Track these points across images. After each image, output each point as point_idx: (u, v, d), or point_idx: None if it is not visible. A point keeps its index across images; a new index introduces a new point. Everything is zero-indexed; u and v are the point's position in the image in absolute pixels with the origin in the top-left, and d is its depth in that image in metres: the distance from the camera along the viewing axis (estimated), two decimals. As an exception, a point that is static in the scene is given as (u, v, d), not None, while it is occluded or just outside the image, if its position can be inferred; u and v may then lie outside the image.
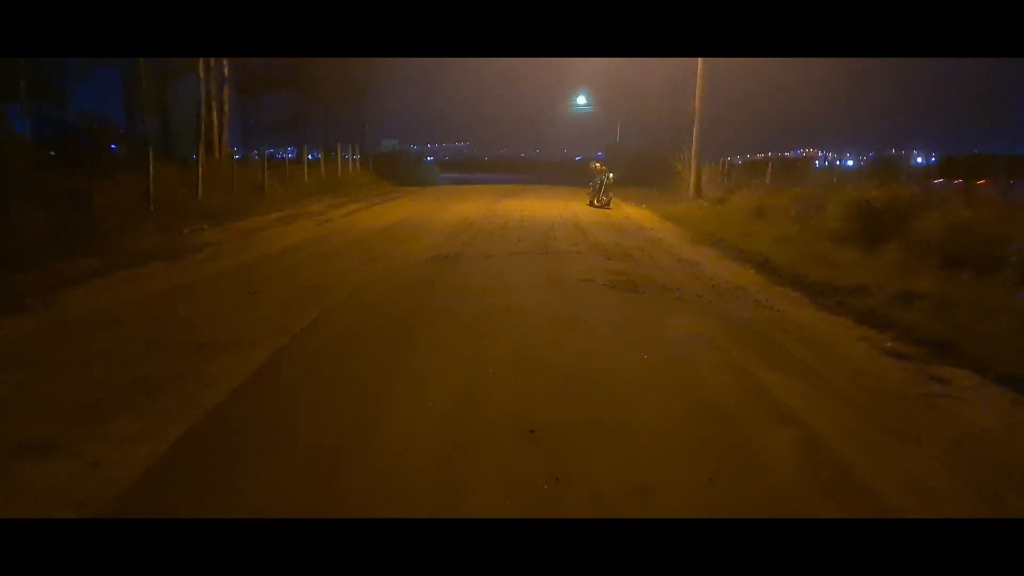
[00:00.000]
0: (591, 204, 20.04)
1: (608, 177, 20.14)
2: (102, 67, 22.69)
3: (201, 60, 19.06)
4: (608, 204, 19.78)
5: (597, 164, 21.12)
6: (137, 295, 7.46)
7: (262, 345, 5.42)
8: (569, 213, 17.74)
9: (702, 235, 13.02)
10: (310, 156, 25.43)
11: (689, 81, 21.43)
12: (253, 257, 10.31)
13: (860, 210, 10.61)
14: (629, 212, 18.66)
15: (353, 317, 6.51)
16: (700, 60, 20.01)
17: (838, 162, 50.61)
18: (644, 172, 26.88)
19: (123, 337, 5.67)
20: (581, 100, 51.47)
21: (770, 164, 19.41)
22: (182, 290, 7.75)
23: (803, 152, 59.54)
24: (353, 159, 30.53)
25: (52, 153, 17.47)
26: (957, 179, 14.88)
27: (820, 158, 53.74)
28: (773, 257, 9.82)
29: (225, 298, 7.32)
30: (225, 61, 19.96)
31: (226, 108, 20.28)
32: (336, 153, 28.38)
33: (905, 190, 10.70)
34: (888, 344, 5.69)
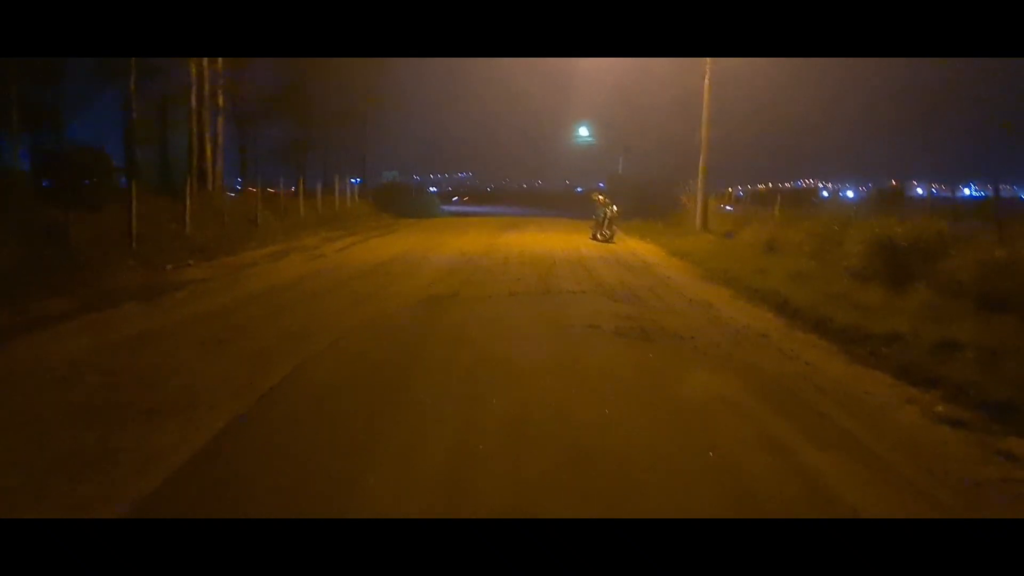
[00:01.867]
0: (594, 238, 19.40)
1: (612, 210, 19.52)
2: (101, 97, 22.35)
3: (193, 90, 18.61)
4: (612, 238, 19.14)
5: (601, 197, 20.47)
6: (99, 342, 6.77)
7: (220, 409, 4.71)
8: (572, 248, 17.08)
9: (712, 272, 12.33)
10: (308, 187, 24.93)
11: (692, 108, 20.96)
12: (236, 297, 9.63)
13: (883, 247, 9.93)
14: (634, 247, 18.00)
15: (331, 373, 5.78)
16: (706, 81, 19.49)
17: (838, 193, 50.04)
18: (648, 203, 26.34)
19: (65, 398, 4.96)
20: (583, 131, 51.16)
21: (779, 196, 18.78)
22: (149, 337, 7.06)
23: (803, 183, 59.13)
24: (352, 190, 30.02)
25: (43, 184, 16.96)
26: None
27: (820, 189, 53.18)
28: (792, 298, 9.12)
29: (194, 347, 6.62)
30: (219, 91, 19.52)
31: (220, 138, 19.78)
32: (334, 184, 27.90)
33: (931, 226, 10.02)
34: (939, 408, 4.95)
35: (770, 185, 37.62)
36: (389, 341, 7.00)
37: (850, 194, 45.96)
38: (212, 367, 5.90)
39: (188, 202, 15.17)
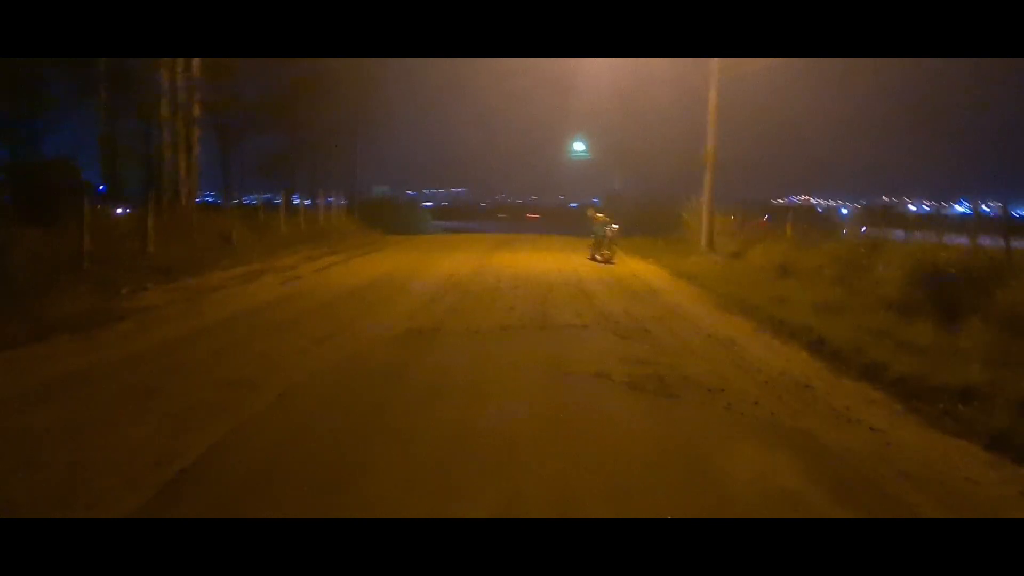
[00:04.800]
0: (592, 258, 18.14)
1: (612, 228, 18.25)
2: (78, 110, 21.17)
3: (165, 99, 17.41)
4: (612, 259, 17.86)
5: (600, 214, 19.22)
6: (-4, 393, 5.51)
7: (99, 509, 3.45)
8: (569, 269, 15.82)
9: (727, 299, 11.07)
10: (296, 201, 23.69)
11: (694, 122, 19.84)
12: (187, 329, 8.35)
13: (927, 275, 8.74)
14: (635, 267, 16.74)
15: (266, 445, 4.48)
16: (713, 92, 18.31)
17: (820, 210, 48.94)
18: (647, 220, 25.11)
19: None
20: (579, 146, 49.81)
21: (791, 213, 17.62)
22: (62, 385, 5.79)
23: (796, 199, 58.14)
24: (339, 205, 28.78)
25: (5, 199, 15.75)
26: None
27: (815, 205, 52.09)
28: (827, 334, 7.85)
29: (111, 400, 5.36)
30: (194, 101, 18.30)
31: (195, 150, 18.52)
32: (320, 199, 26.67)
33: (980, 251, 8.84)
34: (1073, 506, 3.71)
35: (767, 202, 36.46)
36: (351, 395, 5.71)
37: (844, 211, 44.91)
38: (121, 433, 4.64)
39: (150, 218, 13.91)
